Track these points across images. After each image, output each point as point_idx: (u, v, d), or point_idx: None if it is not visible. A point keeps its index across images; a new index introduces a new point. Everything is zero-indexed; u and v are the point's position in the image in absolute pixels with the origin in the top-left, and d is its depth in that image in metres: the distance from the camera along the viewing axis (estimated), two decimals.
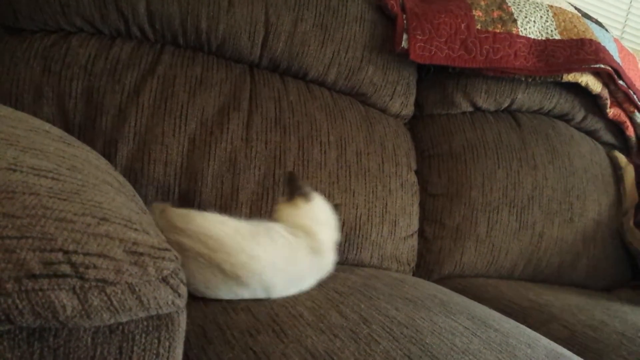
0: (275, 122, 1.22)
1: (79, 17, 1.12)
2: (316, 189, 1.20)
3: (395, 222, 1.31)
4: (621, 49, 1.68)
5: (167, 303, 0.48)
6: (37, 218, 0.44)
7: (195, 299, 0.81)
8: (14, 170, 0.49)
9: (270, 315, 0.77)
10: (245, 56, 1.27)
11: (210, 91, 1.18)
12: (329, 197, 1.22)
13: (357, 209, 1.25)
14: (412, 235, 1.36)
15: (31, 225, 0.43)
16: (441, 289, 1.12)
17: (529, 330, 0.97)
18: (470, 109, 1.52)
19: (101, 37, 1.15)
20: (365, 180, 1.27)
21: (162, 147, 1.11)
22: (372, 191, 1.28)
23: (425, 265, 1.39)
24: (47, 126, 0.67)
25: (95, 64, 1.11)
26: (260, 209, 1.16)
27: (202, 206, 1.12)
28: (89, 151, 0.68)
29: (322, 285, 0.94)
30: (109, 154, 1.07)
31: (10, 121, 0.62)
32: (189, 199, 1.11)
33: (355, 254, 1.25)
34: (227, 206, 1.13)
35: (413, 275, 1.37)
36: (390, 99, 1.42)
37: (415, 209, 1.38)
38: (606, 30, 1.66)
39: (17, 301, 0.41)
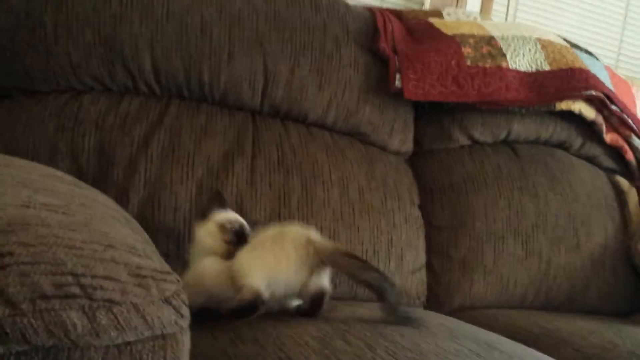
0: (278, 164, 1.27)
1: (89, 77, 1.20)
2: (321, 227, 1.25)
3: (401, 256, 1.33)
4: (613, 75, 1.72)
5: (171, 323, 0.52)
6: (49, 246, 0.48)
7: (205, 333, 0.84)
8: (28, 207, 0.54)
9: (277, 344, 0.79)
10: (247, 104, 1.34)
11: (215, 138, 1.24)
12: (334, 233, 1.25)
13: (362, 244, 1.28)
14: (420, 269, 1.38)
15: (43, 252, 0.48)
16: (449, 319, 1.14)
17: (535, 352, 0.97)
18: (468, 142, 1.56)
19: (111, 94, 1.23)
20: (369, 216, 1.31)
21: (171, 194, 1.16)
22: (377, 226, 1.31)
23: (435, 299, 1.40)
24: (60, 173, 0.72)
25: (106, 119, 1.18)
26: None
27: None
28: (98, 193, 0.73)
29: (329, 318, 0.96)
30: (120, 203, 1.10)
31: (25, 169, 0.67)
32: None
33: (364, 290, 1.26)
34: None
35: (424, 309, 1.38)
36: (389, 137, 1.47)
37: (421, 242, 1.40)
38: (596, 58, 1.71)
39: (32, 320, 0.44)
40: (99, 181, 1.14)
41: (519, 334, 1.22)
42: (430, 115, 1.55)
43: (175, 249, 1.14)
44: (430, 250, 1.42)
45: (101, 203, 0.66)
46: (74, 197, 0.62)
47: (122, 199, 1.13)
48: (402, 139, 1.50)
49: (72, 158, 1.14)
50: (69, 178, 0.72)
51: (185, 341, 0.54)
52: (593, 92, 1.52)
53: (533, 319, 1.31)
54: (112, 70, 1.21)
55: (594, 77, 1.55)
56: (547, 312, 1.43)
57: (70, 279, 0.47)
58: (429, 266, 1.41)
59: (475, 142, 1.57)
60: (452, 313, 1.37)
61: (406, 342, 0.85)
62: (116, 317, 0.48)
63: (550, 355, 1.06)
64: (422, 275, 1.39)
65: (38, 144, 1.13)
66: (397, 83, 1.41)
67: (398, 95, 1.43)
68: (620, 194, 1.68)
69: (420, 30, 1.59)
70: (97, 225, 0.55)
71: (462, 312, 1.38)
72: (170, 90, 1.28)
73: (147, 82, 1.25)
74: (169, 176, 1.18)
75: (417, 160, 1.55)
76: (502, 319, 1.32)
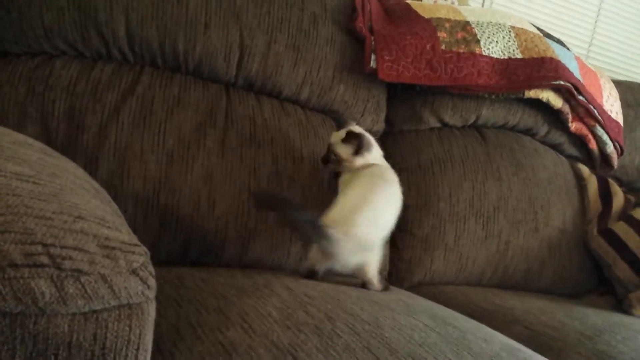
0: (250, 139, 1.28)
1: (62, 41, 1.19)
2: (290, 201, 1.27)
3: None
4: (582, 66, 1.76)
5: (137, 293, 0.54)
6: (19, 215, 0.50)
7: (170, 302, 0.86)
8: None
9: (240, 314, 0.82)
10: (221, 76, 1.34)
11: (188, 110, 1.25)
12: None
13: None
14: (384, 245, 1.41)
15: (14, 222, 0.49)
16: (409, 294, 1.18)
17: (488, 328, 1.02)
18: (437, 124, 1.60)
19: (83, 60, 1.22)
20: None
21: (141, 163, 1.16)
22: None
23: (397, 274, 1.44)
24: (30, 140, 0.73)
25: (77, 85, 1.17)
26: (237, 221, 1.22)
27: (180, 219, 1.17)
28: (67, 161, 0.73)
29: (293, 290, 0.99)
30: (89, 170, 1.12)
31: None
32: (167, 213, 1.16)
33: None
34: (204, 219, 1.19)
35: None
36: (362, 116, 1.50)
37: None
38: (567, 48, 1.75)
39: (1, 287, 0.46)
40: (68, 147, 1.14)
41: (475, 311, 1.27)
42: (402, 96, 1.58)
43: (142, 217, 1.15)
44: (395, 227, 1.46)
45: (71, 173, 0.67)
46: (44, 166, 0.63)
47: (91, 166, 1.14)
48: (374, 119, 1.52)
49: (41, 123, 1.13)
50: (39, 145, 0.73)
51: (151, 311, 0.56)
52: (561, 82, 1.56)
53: (489, 297, 1.37)
54: (85, 36, 1.20)
55: (564, 67, 1.59)
56: (502, 291, 1.49)
57: (39, 248, 0.48)
58: (393, 242, 1.46)
59: (445, 125, 1.61)
60: (411, 288, 1.42)
61: (365, 315, 0.89)
62: (84, 287, 0.50)
63: (503, 332, 1.11)
64: (386, 251, 1.43)
65: (7, 107, 1.12)
66: (372, 63, 1.42)
67: (372, 75, 1.45)
68: (580, 181, 1.74)
69: (397, 11, 1.60)
70: (67, 196, 0.57)
71: (421, 288, 1.43)
72: (144, 59, 1.27)
73: (121, 49, 1.24)
74: (140, 145, 1.18)
75: (387, 139, 1.58)
76: (460, 295, 1.37)
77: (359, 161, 1.18)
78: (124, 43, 1.24)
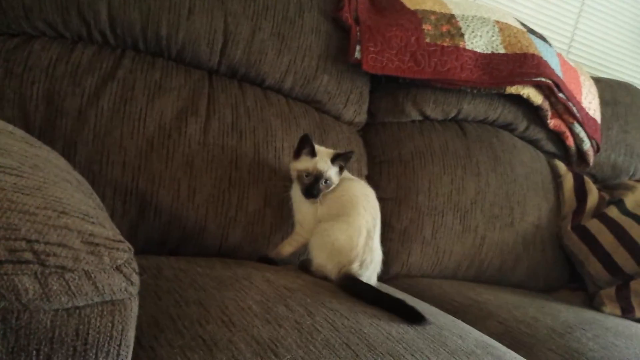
0: (232, 127, 1.27)
1: (42, 22, 1.16)
2: (271, 193, 1.27)
3: None
4: (563, 63, 1.79)
5: (121, 290, 0.53)
6: (3, 210, 0.49)
7: (149, 293, 0.86)
8: None
9: (220, 307, 0.82)
10: (204, 62, 1.32)
11: (169, 96, 1.23)
12: (282, 201, 1.28)
13: None
14: None
15: None
16: (386, 287, 1.20)
17: (463, 324, 1.04)
18: (419, 117, 1.61)
19: (63, 41, 1.19)
20: None
21: (120, 149, 1.15)
22: None
23: None
24: (11, 127, 0.71)
25: (57, 67, 1.15)
26: (217, 210, 1.21)
27: (158, 207, 1.16)
28: (49, 151, 0.72)
29: (272, 282, 0.99)
30: (68, 155, 1.11)
31: None
32: (146, 200, 1.15)
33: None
34: (184, 207, 1.18)
35: None
36: (344, 107, 1.50)
37: None
38: (550, 45, 1.77)
39: None
40: (47, 131, 1.11)
41: (450, 305, 1.29)
42: (385, 88, 1.58)
43: (121, 204, 1.14)
44: None
45: (53, 164, 0.66)
46: (26, 157, 0.61)
47: (69, 151, 1.11)
48: (356, 110, 1.52)
49: (19, 105, 1.10)
50: (20, 133, 0.71)
51: (134, 307, 0.56)
52: (543, 79, 1.58)
53: (464, 291, 1.39)
54: (66, 17, 1.17)
55: (546, 63, 1.61)
56: (477, 284, 1.51)
57: (23, 244, 0.48)
58: None
59: (426, 118, 1.62)
60: (388, 280, 1.43)
61: (344, 309, 0.89)
62: (68, 284, 0.49)
63: (477, 326, 1.14)
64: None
65: None
66: (357, 54, 1.42)
67: (356, 66, 1.45)
68: (557, 177, 1.77)
69: (383, 1, 1.60)
70: (51, 190, 0.56)
71: (398, 280, 1.44)
72: (126, 42, 1.25)
73: (102, 31, 1.21)
74: (119, 131, 1.16)
75: (369, 131, 1.59)
76: (435, 288, 1.39)
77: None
78: (106, 25, 1.21)
